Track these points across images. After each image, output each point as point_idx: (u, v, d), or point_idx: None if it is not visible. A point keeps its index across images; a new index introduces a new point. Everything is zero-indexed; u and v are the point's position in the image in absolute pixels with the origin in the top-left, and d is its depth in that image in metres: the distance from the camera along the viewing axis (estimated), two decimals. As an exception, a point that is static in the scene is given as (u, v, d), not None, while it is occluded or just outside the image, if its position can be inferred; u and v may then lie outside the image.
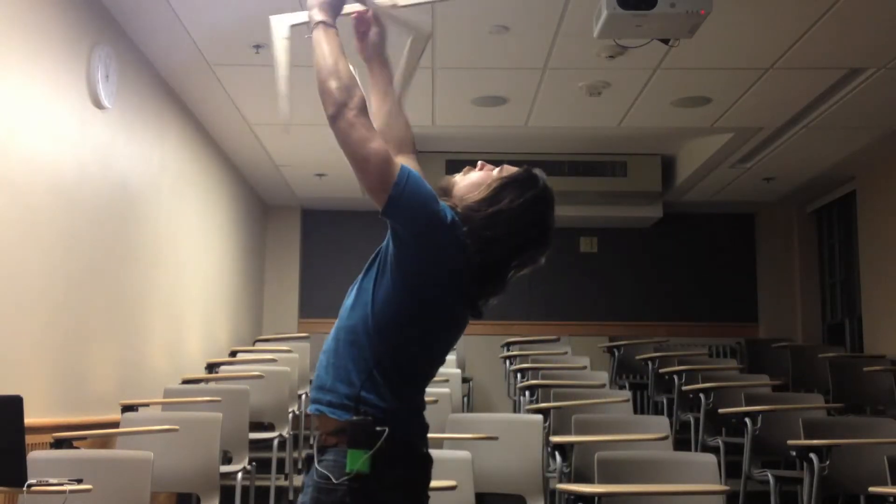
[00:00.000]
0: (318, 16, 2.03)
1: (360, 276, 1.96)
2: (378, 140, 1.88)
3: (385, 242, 1.93)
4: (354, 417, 1.82)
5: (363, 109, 1.91)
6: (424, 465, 1.93)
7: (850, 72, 5.49)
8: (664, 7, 3.88)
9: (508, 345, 7.59)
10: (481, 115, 6.37)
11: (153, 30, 4.95)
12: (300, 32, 2.12)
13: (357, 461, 1.79)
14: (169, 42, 5.08)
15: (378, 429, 1.81)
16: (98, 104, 4.57)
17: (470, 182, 1.99)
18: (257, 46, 5.09)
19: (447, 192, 1.99)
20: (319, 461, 1.86)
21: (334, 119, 1.93)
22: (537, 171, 2.00)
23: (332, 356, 1.92)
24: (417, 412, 1.94)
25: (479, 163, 2.04)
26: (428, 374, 1.98)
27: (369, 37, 2.33)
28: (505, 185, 1.95)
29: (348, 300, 1.96)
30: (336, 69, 1.96)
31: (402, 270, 1.86)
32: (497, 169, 2.01)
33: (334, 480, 1.80)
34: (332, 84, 1.95)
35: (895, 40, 4.98)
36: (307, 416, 6.73)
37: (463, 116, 6.42)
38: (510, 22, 4.81)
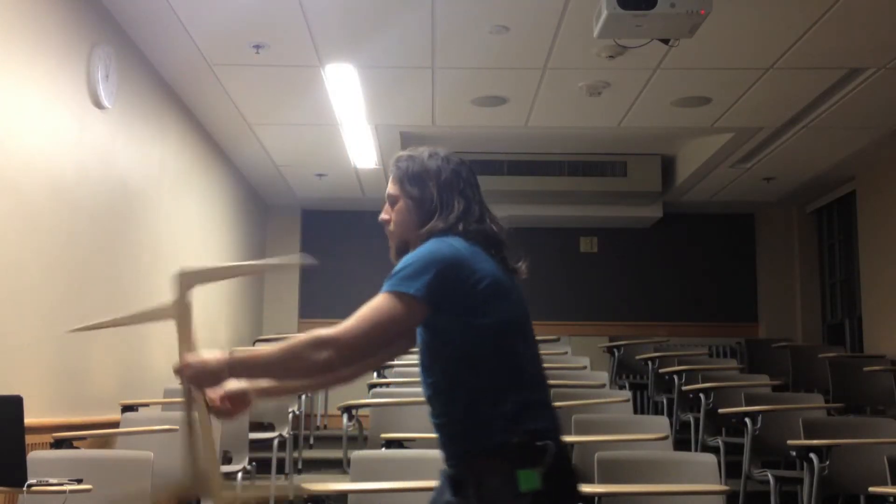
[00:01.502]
0: (222, 369, 1.84)
1: (424, 348, 1.95)
2: (366, 318, 1.82)
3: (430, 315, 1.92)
4: (515, 439, 1.82)
5: (329, 338, 1.79)
6: (575, 471, 1.94)
7: (850, 72, 5.50)
8: (664, 7, 3.88)
9: (508, 345, 7.58)
10: (481, 115, 6.37)
11: (153, 30, 4.95)
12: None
13: (530, 480, 1.79)
14: (169, 42, 5.08)
15: (540, 444, 1.83)
16: (98, 104, 4.56)
17: (401, 222, 2.04)
18: (257, 46, 5.09)
19: (406, 247, 2.01)
20: (482, 487, 1.84)
21: (346, 367, 1.89)
22: (398, 154, 2.10)
23: (455, 425, 1.91)
24: (556, 416, 1.94)
25: (381, 218, 2.08)
26: (540, 373, 1.98)
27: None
28: (413, 183, 2.02)
29: (428, 375, 1.94)
30: (290, 355, 1.82)
31: (458, 309, 1.88)
32: (390, 200, 2.07)
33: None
34: (310, 363, 1.81)
35: (895, 40, 4.98)
36: (307, 416, 6.74)
37: (463, 116, 6.42)
38: (510, 22, 4.81)
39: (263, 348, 1.87)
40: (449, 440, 1.93)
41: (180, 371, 1.85)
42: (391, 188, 2.07)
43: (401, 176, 2.05)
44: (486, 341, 1.88)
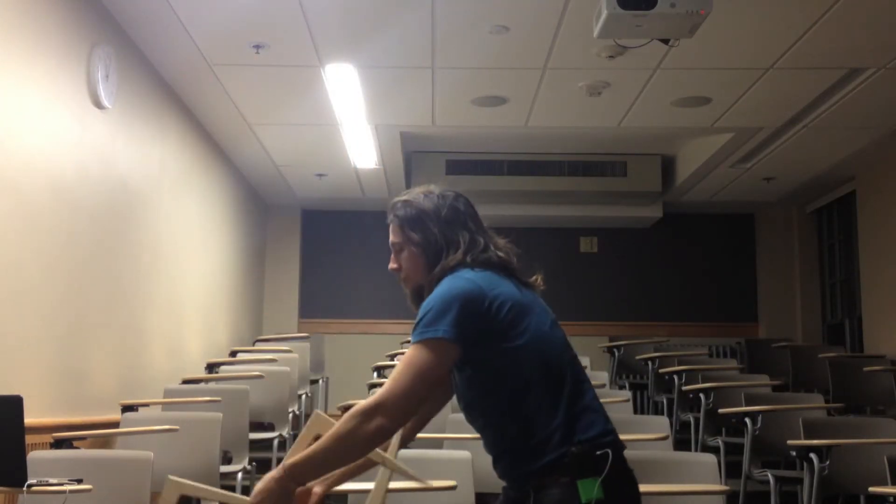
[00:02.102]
0: (284, 482, 1.83)
1: (463, 383, 1.95)
2: (404, 376, 1.84)
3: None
4: (573, 449, 1.83)
5: (373, 407, 1.81)
6: (633, 474, 1.93)
7: (850, 72, 5.49)
8: (664, 7, 3.87)
9: (508, 345, 7.57)
10: (481, 115, 6.37)
11: (153, 30, 4.95)
12: None
13: (591, 490, 1.79)
14: (169, 42, 5.08)
15: (599, 453, 1.83)
16: (98, 104, 4.56)
17: (413, 269, 2.06)
18: (257, 46, 5.09)
19: (426, 291, 2.01)
20: (541, 498, 1.84)
21: (396, 429, 1.88)
22: (393, 201, 2.11)
23: (513, 453, 1.90)
24: (604, 416, 1.93)
25: (390, 268, 2.11)
26: (583, 376, 1.98)
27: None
28: (416, 229, 2.03)
29: (473, 409, 1.95)
30: (349, 439, 1.81)
31: (490, 339, 1.89)
32: (395, 249, 2.09)
33: None
34: (366, 433, 1.81)
35: (895, 40, 4.98)
36: (307, 416, 6.74)
37: (463, 116, 6.42)
38: (510, 22, 4.81)
39: (316, 446, 1.84)
40: (509, 466, 1.92)
41: None
42: (393, 237, 2.08)
43: (400, 223, 2.06)
44: (524, 362, 1.89)
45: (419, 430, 2.24)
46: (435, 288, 1.96)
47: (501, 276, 1.97)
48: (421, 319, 1.89)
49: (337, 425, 1.83)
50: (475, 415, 1.97)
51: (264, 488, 1.82)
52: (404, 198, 2.09)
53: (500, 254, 2.01)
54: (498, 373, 1.90)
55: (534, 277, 2.03)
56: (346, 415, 1.82)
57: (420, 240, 2.02)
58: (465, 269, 1.95)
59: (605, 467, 1.81)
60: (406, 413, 1.85)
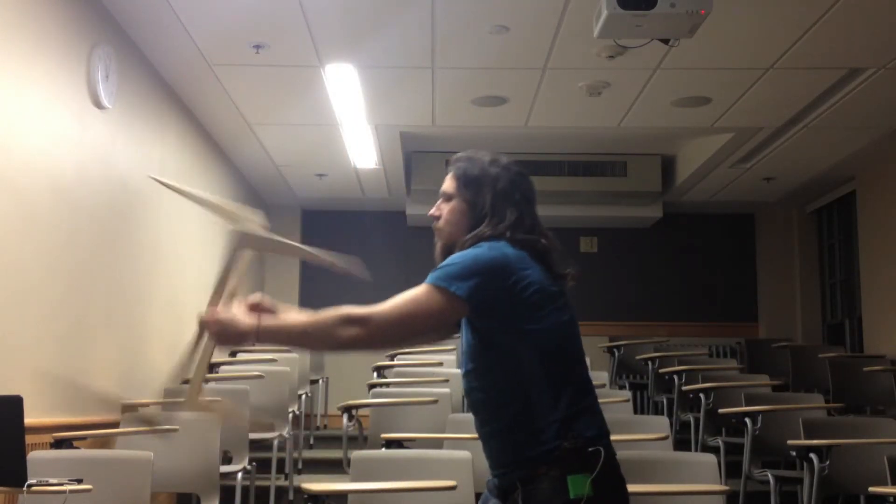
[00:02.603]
0: (249, 332, 1.84)
1: (469, 352, 1.94)
2: (401, 306, 1.82)
3: (475, 316, 1.91)
4: (566, 444, 1.82)
5: (363, 314, 1.80)
6: (622, 476, 1.93)
7: (850, 72, 5.49)
8: (664, 7, 3.88)
9: (508, 345, 7.58)
10: (481, 115, 6.37)
11: (153, 30, 4.95)
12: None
13: (581, 486, 1.78)
14: (169, 42, 5.08)
15: (591, 450, 1.82)
16: (98, 104, 4.57)
17: (452, 222, 2.03)
18: (257, 46, 5.09)
19: (456, 249, 2.00)
20: (531, 493, 1.82)
21: (377, 346, 1.87)
22: (455, 157, 2.09)
23: (505, 435, 1.89)
24: (602, 418, 1.93)
25: (431, 212, 2.09)
26: (585, 372, 1.98)
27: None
28: (469, 186, 2.01)
29: (473, 381, 1.93)
30: (325, 330, 1.81)
31: (506, 315, 1.88)
32: (443, 197, 2.06)
33: None
34: (338, 335, 1.80)
35: (895, 40, 4.98)
36: (307, 416, 6.74)
37: (463, 116, 6.42)
38: (510, 22, 4.81)
39: (292, 318, 1.83)
40: (499, 449, 1.91)
41: (207, 323, 1.85)
42: (448, 185, 2.06)
43: (457, 176, 2.04)
44: (536, 347, 1.88)
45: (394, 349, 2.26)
46: (467, 249, 1.94)
47: (536, 260, 1.94)
48: (444, 266, 1.87)
49: (322, 315, 1.80)
50: (474, 385, 1.94)
51: (234, 321, 1.81)
52: (470, 154, 2.07)
53: (543, 241, 1.98)
54: (509, 351, 1.88)
55: (568, 271, 2.00)
56: (334, 312, 1.80)
57: (470, 198, 2.00)
58: (503, 242, 1.92)
59: (596, 465, 1.81)
60: (386, 340, 1.84)
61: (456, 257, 1.90)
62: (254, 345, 1.86)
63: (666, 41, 4.34)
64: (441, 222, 2.06)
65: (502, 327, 1.88)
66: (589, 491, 1.78)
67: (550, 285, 1.93)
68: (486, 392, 1.92)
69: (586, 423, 1.87)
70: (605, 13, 3.94)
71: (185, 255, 6.24)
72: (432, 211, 2.08)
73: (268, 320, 1.83)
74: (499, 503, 1.90)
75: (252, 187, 8.35)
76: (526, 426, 1.86)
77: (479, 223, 1.97)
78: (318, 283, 8.99)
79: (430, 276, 1.86)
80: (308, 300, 8.97)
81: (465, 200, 2.01)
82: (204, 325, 1.86)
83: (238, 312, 1.84)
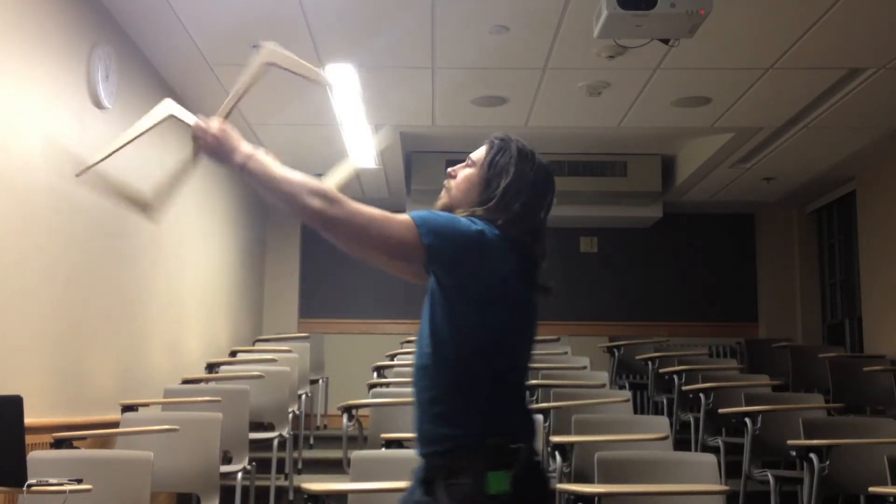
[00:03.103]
0: (240, 156, 1.91)
1: (426, 319, 1.93)
2: (374, 214, 1.83)
3: (434, 283, 1.92)
4: (490, 440, 1.82)
5: (338, 198, 1.82)
6: (546, 476, 1.93)
7: (850, 72, 5.49)
8: (664, 7, 3.88)
9: (508, 345, 7.57)
10: (481, 115, 6.37)
11: (153, 30, 4.95)
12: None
13: (500, 482, 1.78)
14: (169, 42, 5.08)
15: (513, 447, 1.82)
16: (98, 104, 4.56)
17: (460, 189, 2.03)
18: (257, 46, 5.08)
19: (451, 210, 2.01)
20: (450, 485, 1.82)
21: (326, 229, 1.84)
22: (501, 136, 2.07)
23: (433, 406, 1.89)
24: (532, 421, 1.94)
25: (450, 170, 2.08)
26: (527, 377, 2.00)
27: None
28: (491, 166, 2.00)
29: (422, 346, 1.93)
30: (292, 190, 1.84)
31: (471, 297, 1.87)
32: (466, 162, 2.06)
33: None
34: (303, 202, 1.82)
35: (895, 40, 4.98)
36: (307, 416, 6.74)
37: (463, 116, 6.42)
38: (510, 22, 4.81)
39: (276, 167, 1.87)
40: (428, 429, 1.90)
41: (202, 131, 1.94)
42: (478, 154, 2.05)
43: (491, 152, 2.03)
44: (488, 334, 1.88)
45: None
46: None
47: (517, 260, 1.93)
48: (432, 215, 1.87)
49: (303, 178, 1.83)
50: (423, 349, 1.93)
51: (231, 141, 1.91)
52: (514, 140, 2.05)
53: (535, 247, 1.97)
54: (456, 322, 1.87)
55: (549, 285, 1.99)
56: (316, 181, 1.83)
57: (487, 177, 1.99)
58: (491, 228, 1.91)
59: (516, 462, 1.80)
60: (342, 231, 1.82)
61: (446, 216, 1.91)
62: (234, 170, 1.91)
63: (666, 41, 4.34)
64: (453, 182, 2.06)
65: (459, 300, 1.88)
66: (508, 488, 1.78)
67: (517, 287, 1.92)
68: (421, 359, 1.92)
69: (512, 418, 1.88)
70: (605, 13, 3.95)
71: (185, 255, 6.24)
72: (451, 168, 2.08)
73: (258, 159, 1.88)
74: (422, 494, 1.89)
75: (252, 187, 8.34)
76: (454, 402, 1.86)
77: (484, 203, 1.96)
78: (319, 282, 8.99)
79: (415, 213, 1.86)
80: (308, 299, 8.98)
81: (482, 176, 2.00)
82: (203, 131, 1.95)
83: (237, 137, 1.91)
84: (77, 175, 2.12)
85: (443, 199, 2.06)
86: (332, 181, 2.10)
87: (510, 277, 1.91)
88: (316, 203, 1.80)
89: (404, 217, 1.85)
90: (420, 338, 1.95)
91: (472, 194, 2.00)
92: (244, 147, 1.91)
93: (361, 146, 6.88)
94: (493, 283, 1.88)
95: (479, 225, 1.89)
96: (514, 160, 2.01)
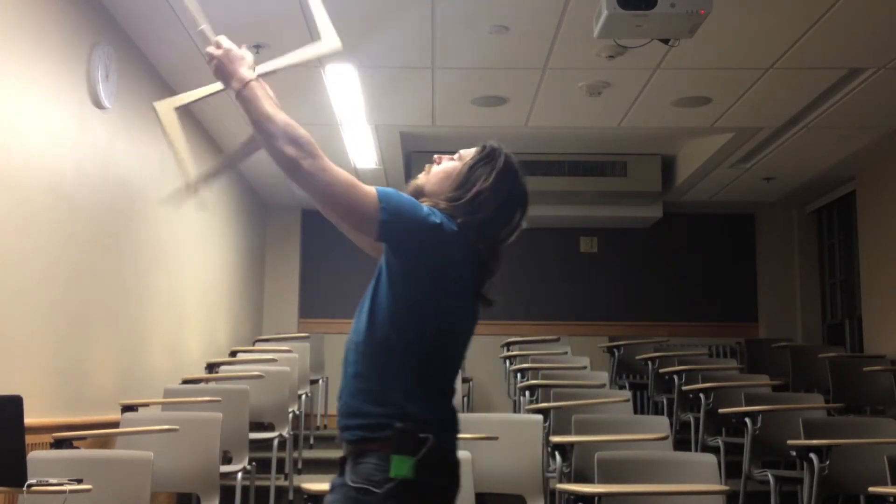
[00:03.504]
0: (237, 82, 1.97)
1: (368, 299, 1.95)
2: (340, 176, 1.85)
3: (384, 262, 1.93)
4: (399, 424, 1.82)
5: (315, 152, 1.85)
6: (457, 472, 1.94)
7: (850, 72, 5.49)
8: (664, 7, 3.88)
9: (508, 345, 7.60)
10: (481, 115, 6.37)
11: (153, 29, 4.95)
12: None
13: (402, 467, 1.79)
14: (169, 42, 5.08)
15: (422, 436, 1.82)
16: (98, 104, 4.56)
17: (438, 177, 2.04)
18: (257, 46, 5.08)
19: (419, 193, 2.03)
20: (357, 463, 1.84)
21: (293, 176, 1.86)
22: (494, 143, 2.07)
23: (357, 381, 1.91)
24: (453, 416, 1.95)
25: (436, 157, 2.10)
26: (456, 375, 2.01)
27: None
28: (473, 168, 2.01)
29: (360, 324, 1.94)
30: (274, 130, 1.88)
31: (414, 282, 1.88)
32: (455, 156, 2.07)
33: (376, 488, 1.80)
34: (278, 145, 1.86)
35: (895, 40, 4.98)
36: (307, 416, 6.74)
37: (463, 116, 6.42)
38: (510, 22, 4.81)
39: (266, 103, 1.91)
40: (349, 395, 1.91)
41: (219, 44, 2.01)
42: (467, 152, 2.06)
43: (478, 156, 2.03)
44: (420, 322, 1.88)
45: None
46: (418, 196, 1.98)
47: (467, 263, 1.94)
48: (399, 196, 1.88)
49: (287, 123, 1.87)
50: (356, 327, 1.94)
51: (241, 66, 1.97)
52: (505, 154, 2.05)
53: (490, 260, 1.98)
54: (400, 312, 1.88)
55: (491, 298, 2.01)
56: (299, 130, 1.86)
57: (465, 177, 1.99)
58: (452, 224, 1.91)
59: (420, 450, 1.80)
60: (309, 182, 1.83)
61: (411, 200, 1.91)
62: (231, 92, 1.97)
63: (666, 41, 4.34)
64: (433, 170, 2.07)
65: (400, 282, 1.88)
66: (410, 473, 1.79)
67: (462, 289, 1.94)
68: (358, 335, 1.93)
69: (430, 408, 1.88)
70: (605, 13, 3.94)
71: (185, 255, 6.24)
72: (437, 156, 2.10)
73: (255, 89, 1.92)
74: (338, 475, 1.91)
75: (252, 187, 8.35)
76: (378, 381, 1.87)
77: (452, 200, 1.97)
78: (319, 282, 8.98)
79: (382, 188, 1.88)
80: (308, 299, 8.98)
81: (461, 174, 2.01)
82: (216, 45, 2.01)
83: (246, 62, 1.96)
84: (173, 107, 2.28)
85: (419, 179, 2.08)
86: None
87: (457, 277, 1.92)
88: (290, 150, 1.84)
89: (370, 188, 1.86)
90: (359, 313, 1.95)
91: (444, 187, 2.01)
92: (243, 73, 1.95)
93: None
94: (438, 276, 1.89)
95: (438, 218, 1.90)
96: (496, 171, 2.01)
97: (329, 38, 2.16)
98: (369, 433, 1.85)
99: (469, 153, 2.05)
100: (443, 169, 2.05)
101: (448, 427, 1.93)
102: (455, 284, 1.92)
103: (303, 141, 1.85)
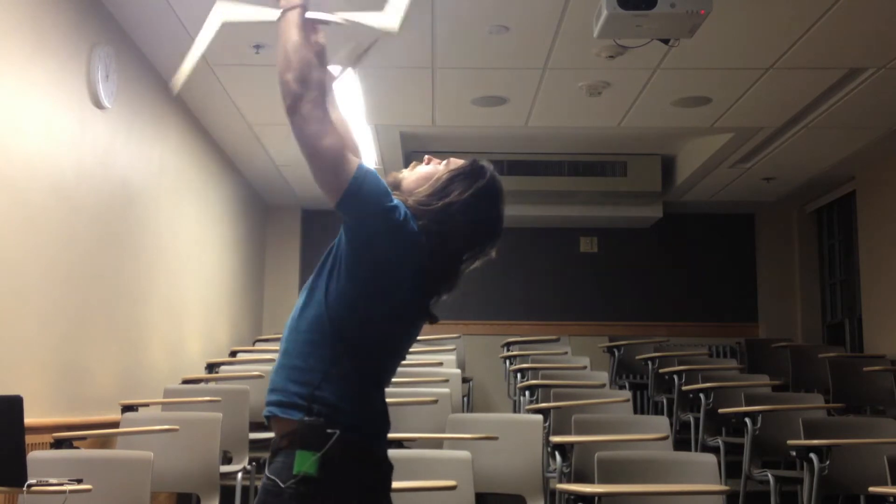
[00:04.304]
0: (294, 2, 1.96)
1: (313, 276, 1.94)
2: (333, 135, 1.85)
3: (338, 240, 1.92)
4: (306, 418, 1.79)
5: (319, 102, 1.84)
6: (380, 469, 1.88)
7: (850, 72, 5.49)
8: (664, 7, 3.88)
9: (508, 345, 7.60)
10: (481, 115, 6.37)
11: (153, 30, 4.95)
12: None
13: (305, 463, 1.76)
14: (169, 42, 5.08)
15: (329, 430, 1.78)
16: (98, 104, 4.57)
17: (418, 176, 2.02)
18: (257, 46, 5.09)
19: (396, 186, 2.00)
20: (270, 463, 1.83)
21: (289, 112, 1.85)
22: (484, 163, 2.02)
23: (283, 357, 1.90)
24: (377, 413, 1.91)
25: (426, 157, 2.07)
26: (388, 373, 1.96)
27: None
28: (453, 178, 1.97)
29: (300, 300, 1.93)
30: (292, 59, 1.88)
31: (358, 268, 1.86)
32: (444, 162, 2.04)
33: (281, 483, 1.76)
34: (288, 76, 1.86)
35: (895, 40, 4.98)
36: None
37: (463, 116, 6.42)
38: (510, 22, 4.81)
39: (297, 32, 1.92)
40: (279, 368, 1.90)
41: None
42: (455, 162, 2.02)
43: (462, 170, 1.98)
44: (357, 314, 1.85)
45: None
46: (394, 188, 1.97)
47: (421, 272, 1.90)
48: (376, 177, 1.86)
49: (306, 56, 1.88)
50: (298, 303, 1.92)
51: None
52: (491, 177, 1.99)
53: (440, 278, 1.94)
54: (340, 300, 1.86)
55: (435, 316, 1.98)
56: (311, 69, 1.85)
57: (442, 187, 1.95)
58: (415, 223, 1.89)
59: (325, 446, 1.76)
60: (295, 121, 1.83)
61: (386, 189, 1.89)
62: (280, 9, 1.96)
63: (666, 41, 4.34)
64: (418, 168, 2.05)
65: (341, 271, 1.86)
66: (312, 470, 1.75)
67: (409, 293, 1.89)
68: (301, 313, 1.91)
69: (345, 401, 1.83)
70: (605, 13, 3.95)
71: (185, 255, 6.24)
72: (429, 156, 2.08)
73: (295, 15, 1.92)
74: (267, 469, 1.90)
75: (252, 187, 8.35)
76: (303, 363, 1.85)
77: (421, 203, 1.93)
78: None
79: (365, 166, 1.87)
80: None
81: (439, 181, 1.97)
82: None
83: None
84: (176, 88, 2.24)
85: (402, 173, 2.06)
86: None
87: (403, 277, 1.88)
88: (295, 87, 1.83)
89: (355, 159, 1.87)
90: (303, 290, 1.94)
91: (420, 188, 1.97)
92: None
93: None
94: (384, 270, 1.86)
95: (402, 215, 1.87)
96: (474, 189, 1.95)
97: (391, 16, 2.14)
98: (280, 411, 1.83)
99: (456, 163, 2.01)
100: (426, 171, 2.02)
101: (369, 421, 1.87)
102: (399, 284, 1.87)
103: (312, 83, 1.84)
